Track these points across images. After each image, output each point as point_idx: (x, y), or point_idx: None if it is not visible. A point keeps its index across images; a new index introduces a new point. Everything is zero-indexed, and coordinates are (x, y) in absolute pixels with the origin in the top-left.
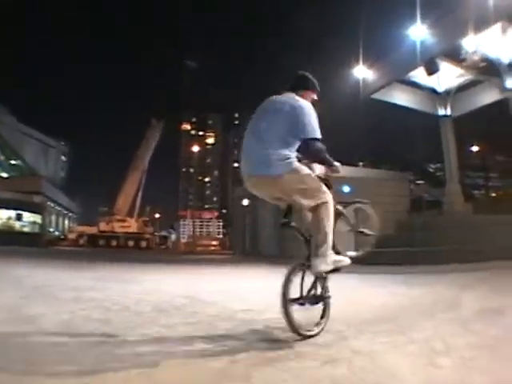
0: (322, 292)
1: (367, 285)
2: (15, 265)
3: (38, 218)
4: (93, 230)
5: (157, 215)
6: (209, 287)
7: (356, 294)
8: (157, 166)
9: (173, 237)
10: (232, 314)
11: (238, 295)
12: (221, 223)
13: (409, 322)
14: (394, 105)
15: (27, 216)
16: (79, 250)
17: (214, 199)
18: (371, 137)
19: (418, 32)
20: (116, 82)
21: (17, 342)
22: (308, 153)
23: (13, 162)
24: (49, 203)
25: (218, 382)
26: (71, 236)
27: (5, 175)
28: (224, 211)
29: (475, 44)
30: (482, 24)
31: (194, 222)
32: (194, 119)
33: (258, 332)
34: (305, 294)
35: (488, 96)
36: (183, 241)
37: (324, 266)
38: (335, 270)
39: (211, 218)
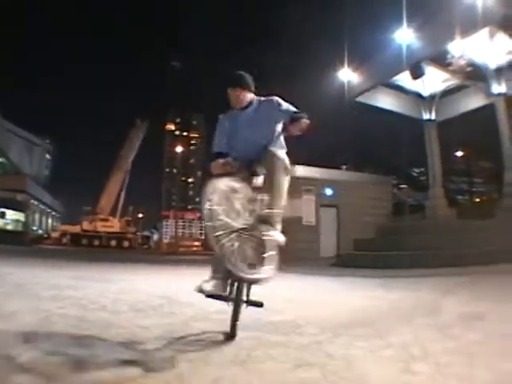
0: None
1: (345, 288)
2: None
3: (21, 217)
4: (76, 229)
5: (140, 215)
6: (188, 288)
7: (333, 297)
8: (140, 166)
9: (155, 237)
10: (207, 315)
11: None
12: (203, 224)
13: (386, 326)
14: (379, 108)
15: (10, 214)
16: (62, 248)
17: (197, 200)
18: (355, 140)
19: (404, 35)
20: (101, 81)
21: None
22: None
23: None
24: (32, 201)
25: (185, 382)
26: (54, 235)
27: None
28: None
29: (462, 49)
30: (469, 28)
31: (176, 222)
32: (178, 119)
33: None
34: None
35: (473, 101)
36: (166, 241)
37: None
38: None
39: (194, 219)
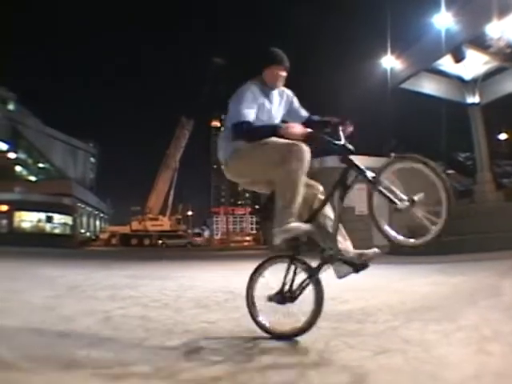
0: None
1: (407, 275)
2: (47, 266)
3: (68, 220)
4: (125, 229)
5: (189, 213)
6: (247, 281)
7: (397, 284)
8: (188, 164)
9: (206, 234)
10: (274, 307)
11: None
12: (254, 219)
13: (454, 309)
14: (423, 94)
15: (58, 218)
16: (111, 249)
17: (247, 195)
18: (400, 127)
19: (444, 19)
20: (145, 80)
21: (56, 343)
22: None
23: (40, 165)
24: (79, 204)
25: (267, 377)
26: (103, 236)
27: (33, 179)
28: (257, 207)
29: (500, 30)
30: (506, 9)
31: (227, 218)
32: (223, 116)
33: None
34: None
35: None
36: (217, 237)
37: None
38: None
39: (244, 214)
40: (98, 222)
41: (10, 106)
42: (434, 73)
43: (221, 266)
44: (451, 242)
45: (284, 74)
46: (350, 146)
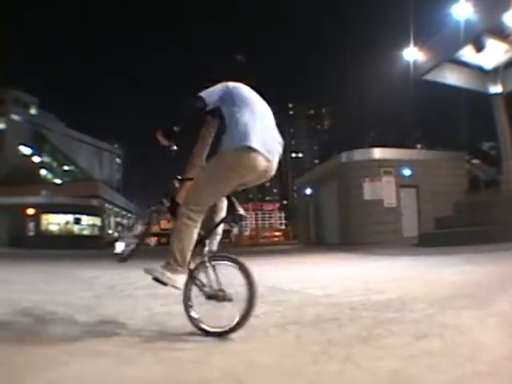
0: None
1: (434, 265)
2: (81, 267)
3: (97, 221)
4: (154, 228)
5: None
6: (284, 276)
7: (427, 275)
8: None
9: (235, 230)
10: (315, 299)
11: (315, 282)
12: (283, 214)
13: (484, 297)
14: (445, 85)
15: (86, 219)
16: (141, 248)
17: (275, 191)
18: (424, 119)
19: (463, 9)
20: (169, 79)
21: (104, 342)
22: None
23: (66, 167)
24: (107, 205)
25: (320, 363)
26: None
27: (59, 181)
28: (285, 202)
29: None
30: None
31: (256, 214)
32: None
33: (346, 314)
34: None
35: None
36: (246, 233)
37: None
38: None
39: (273, 210)
40: (125, 222)
41: (33, 111)
42: (456, 63)
43: (254, 261)
44: (477, 231)
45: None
46: None
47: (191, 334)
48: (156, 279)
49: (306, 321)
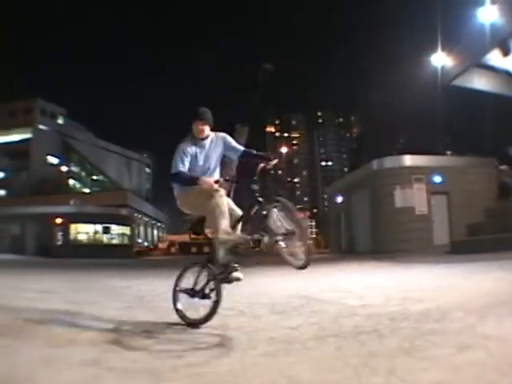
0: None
1: (468, 273)
2: (111, 276)
3: (126, 230)
4: (184, 238)
5: None
6: (317, 286)
7: (460, 282)
8: (243, 171)
9: (265, 239)
10: (351, 310)
11: (349, 292)
12: (313, 223)
13: None
14: (473, 90)
15: (116, 228)
16: (171, 258)
17: (305, 199)
18: (452, 125)
19: (489, 13)
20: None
21: (139, 359)
22: None
23: (94, 177)
24: (136, 215)
25: (363, 376)
26: (162, 245)
27: (87, 191)
28: (315, 211)
29: None
30: None
31: None
32: (277, 121)
33: (385, 325)
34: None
35: None
36: None
37: None
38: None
39: (303, 218)
40: (155, 232)
41: (60, 121)
42: (483, 68)
43: (285, 271)
44: (509, 238)
45: (204, 126)
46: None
47: (227, 347)
48: None
49: (345, 332)
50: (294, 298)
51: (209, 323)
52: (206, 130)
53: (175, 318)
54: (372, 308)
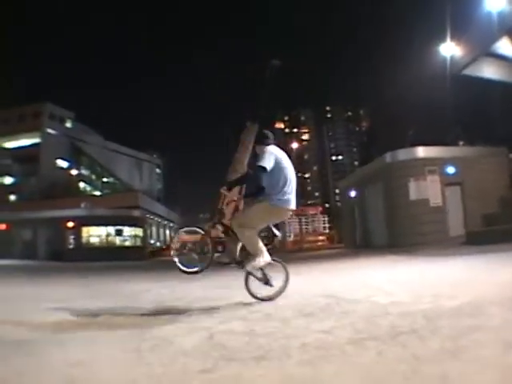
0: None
1: (490, 265)
2: (125, 280)
3: (139, 232)
4: (197, 237)
5: None
6: (340, 283)
7: (486, 275)
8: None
9: (279, 236)
10: (383, 308)
11: (376, 289)
12: (326, 218)
13: None
14: (483, 80)
15: (128, 230)
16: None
17: (316, 194)
18: (462, 114)
19: (497, 1)
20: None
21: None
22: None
23: (104, 179)
24: (148, 216)
25: (411, 380)
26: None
27: (98, 193)
28: (327, 205)
29: None
30: None
31: (299, 219)
32: (286, 117)
33: (422, 324)
34: None
35: None
36: (290, 239)
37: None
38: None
39: (316, 214)
40: (167, 232)
41: (68, 124)
42: (492, 57)
43: (304, 267)
44: None
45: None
46: None
47: (258, 356)
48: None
49: (382, 334)
50: (319, 297)
51: (235, 328)
52: None
53: (201, 325)
54: (404, 306)
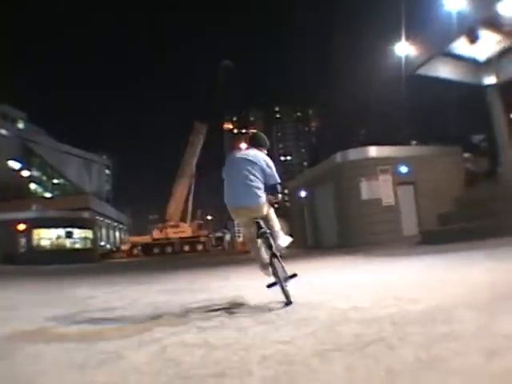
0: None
1: (452, 264)
2: (75, 285)
3: (89, 234)
4: (146, 239)
5: (209, 217)
6: (294, 287)
7: (453, 276)
8: (204, 168)
9: (227, 237)
10: (344, 314)
11: (332, 293)
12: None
13: None
14: (438, 79)
15: (78, 232)
16: (134, 260)
17: None
18: (415, 114)
19: (455, 1)
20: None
21: None
22: (276, 191)
23: (55, 181)
24: (98, 218)
25: None
26: (125, 247)
27: (49, 195)
28: (276, 206)
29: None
30: None
31: None
32: (235, 118)
33: (390, 332)
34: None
35: None
36: (239, 240)
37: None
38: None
39: None
40: (117, 234)
41: (20, 125)
42: (449, 56)
43: (253, 272)
44: (483, 226)
45: None
46: None
47: (216, 373)
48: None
49: (347, 344)
50: (273, 302)
51: (189, 339)
52: None
53: (153, 337)
54: (365, 311)
